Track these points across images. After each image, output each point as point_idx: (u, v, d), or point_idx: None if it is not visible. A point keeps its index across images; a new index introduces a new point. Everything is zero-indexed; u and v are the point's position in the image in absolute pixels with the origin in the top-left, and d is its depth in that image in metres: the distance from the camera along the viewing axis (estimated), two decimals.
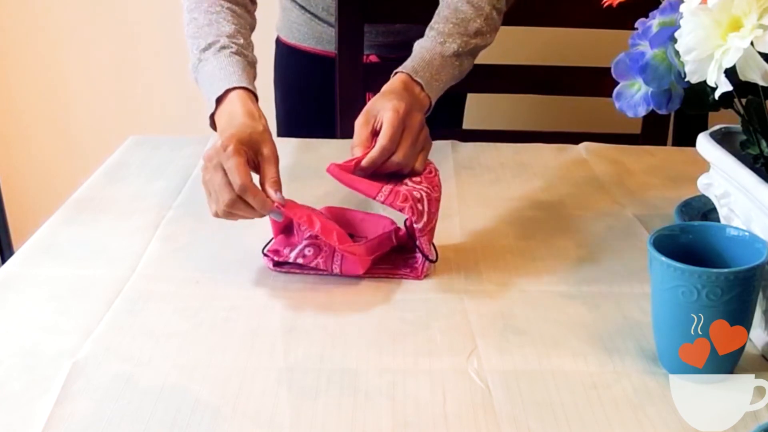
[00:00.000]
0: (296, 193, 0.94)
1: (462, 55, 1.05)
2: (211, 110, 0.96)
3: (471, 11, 1.06)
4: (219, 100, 0.95)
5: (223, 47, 0.99)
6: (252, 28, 1.09)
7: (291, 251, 0.88)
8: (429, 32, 1.06)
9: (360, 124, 0.93)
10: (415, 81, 1.00)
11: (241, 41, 1.02)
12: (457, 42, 1.04)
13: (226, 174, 0.84)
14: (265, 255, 0.91)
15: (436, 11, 1.09)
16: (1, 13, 2.05)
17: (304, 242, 0.88)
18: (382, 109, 0.92)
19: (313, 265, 0.87)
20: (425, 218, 0.86)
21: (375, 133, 0.92)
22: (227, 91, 0.95)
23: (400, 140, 0.90)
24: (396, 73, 1.01)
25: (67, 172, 2.11)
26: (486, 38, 1.08)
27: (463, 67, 1.07)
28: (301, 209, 0.87)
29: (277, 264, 0.89)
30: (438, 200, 0.90)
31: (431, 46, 1.04)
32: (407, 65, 1.02)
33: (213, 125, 0.97)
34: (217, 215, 0.87)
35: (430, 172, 0.93)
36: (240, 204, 0.84)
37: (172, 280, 0.88)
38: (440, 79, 1.02)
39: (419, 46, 1.05)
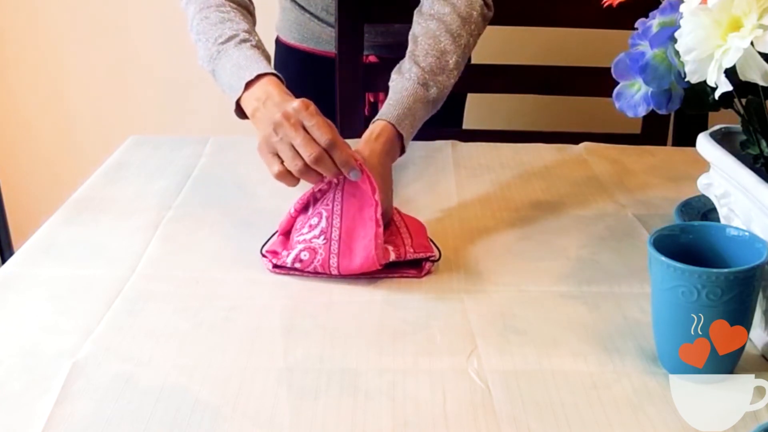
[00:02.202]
0: (298, 191, 0.94)
1: (436, 99, 1.03)
2: (237, 94, 0.98)
3: (450, 43, 1.04)
4: (248, 85, 0.97)
5: (244, 40, 1.02)
6: None
7: (288, 255, 0.88)
8: (411, 67, 1.03)
9: None
10: (399, 133, 0.98)
11: (257, 38, 1.05)
12: (437, 87, 1.02)
13: (307, 132, 0.88)
14: (263, 256, 0.91)
15: (413, 34, 1.06)
16: (2, 13, 2.06)
17: (299, 247, 0.88)
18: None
19: (310, 269, 0.88)
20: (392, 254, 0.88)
21: None
22: (259, 76, 0.97)
23: None
24: (379, 120, 0.99)
25: (67, 172, 2.11)
26: (459, 69, 1.06)
27: (435, 110, 1.05)
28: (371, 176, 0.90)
29: (276, 266, 0.90)
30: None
31: (413, 90, 1.01)
32: (392, 113, 0.99)
33: (238, 110, 1.00)
34: (280, 176, 0.90)
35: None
36: (326, 159, 0.88)
37: (172, 280, 0.88)
38: (415, 127, 1.01)
39: (402, 88, 1.01)
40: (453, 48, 1.04)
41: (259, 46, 1.03)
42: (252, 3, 1.13)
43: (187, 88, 2.06)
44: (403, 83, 1.02)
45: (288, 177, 0.90)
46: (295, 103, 0.91)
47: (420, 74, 1.02)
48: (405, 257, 0.88)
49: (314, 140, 0.88)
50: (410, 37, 1.07)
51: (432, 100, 1.03)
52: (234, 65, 1.00)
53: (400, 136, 0.99)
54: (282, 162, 0.90)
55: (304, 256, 0.88)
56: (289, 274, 0.89)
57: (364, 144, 0.97)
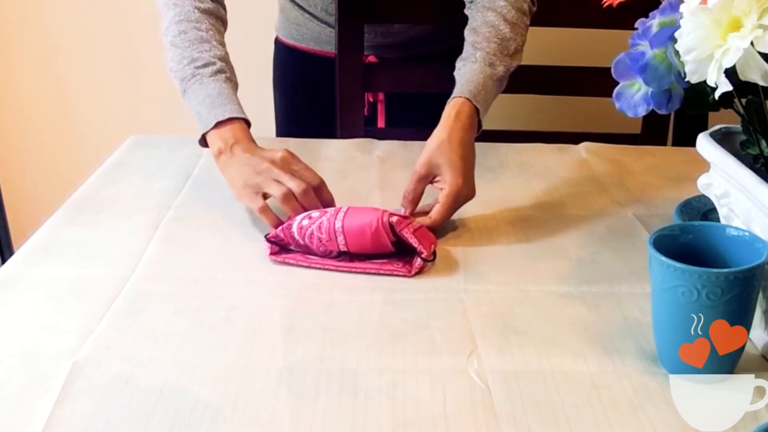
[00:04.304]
0: None
1: (503, 78, 1.08)
2: (205, 129, 1.03)
3: (509, 31, 1.08)
4: (218, 124, 1.02)
5: (220, 71, 1.06)
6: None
7: (296, 215, 0.92)
8: (474, 52, 1.07)
9: (418, 177, 0.99)
10: (475, 106, 1.03)
11: (230, 65, 1.09)
12: (503, 65, 1.07)
13: (293, 174, 0.95)
14: (267, 240, 0.92)
15: (472, 27, 1.09)
16: (3, 13, 2.06)
17: (309, 211, 0.92)
18: (444, 172, 0.98)
19: (314, 228, 0.89)
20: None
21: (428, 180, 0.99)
22: (230, 119, 1.02)
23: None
24: (456, 97, 1.03)
25: (67, 172, 2.11)
26: (520, 57, 1.10)
27: (502, 89, 1.09)
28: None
29: (275, 252, 0.91)
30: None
31: (482, 69, 1.05)
32: (465, 90, 1.03)
33: (203, 141, 1.05)
34: (262, 211, 0.95)
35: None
36: (311, 195, 0.95)
37: (172, 280, 0.88)
38: (489, 103, 1.06)
39: (470, 69, 1.06)
40: (512, 35, 1.08)
41: (232, 79, 1.08)
42: (225, 10, 1.15)
43: None
44: (471, 66, 1.06)
45: (269, 212, 0.95)
46: (280, 153, 0.98)
47: (485, 56, 1.06)
48: (402, 231, 0.89)
49: (300, 179, 0.95)
50: (468, 30, 1.10)
51: (500, 77, 1.07)
52: (207, 96, 1.04)
53: (477, 111, 1.03)
54: (264, 198, 0.95)
55: (315, 214, 0.91)
56: (286, 262, 0.90)
57: (442, 127, 1.01)
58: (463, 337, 0.78)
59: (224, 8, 1.14)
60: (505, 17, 1.08)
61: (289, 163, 0.97)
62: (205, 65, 1.05)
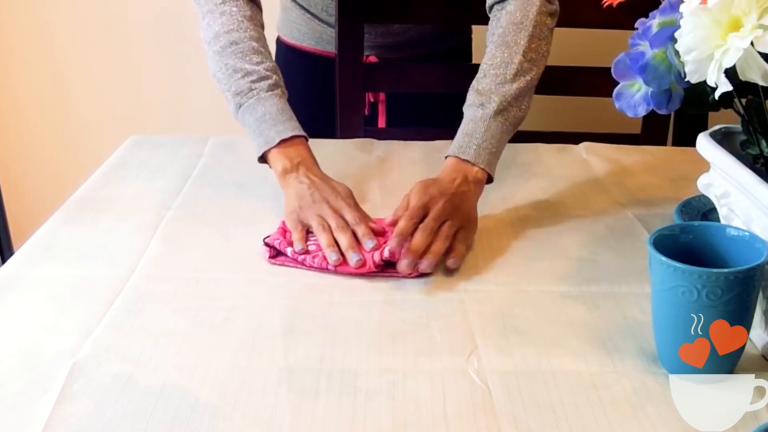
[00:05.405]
0: None
1: (505, 109, 1.02)
2: (267, 147, 1.02)
3: (505, 54, 1.04)
4: (281, 142, 1.02)
5: (275, 85, 1.06)
6: None
7: (292, 242, 0.92)
8: (470, 93, 1.05)
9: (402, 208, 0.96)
10: (464, 160, 0.99)
11: (281, 76, 1.09)
12: (496, 100, 1.02)
13: (335, 211, 0.95)
14: (266, 244, 0.92)
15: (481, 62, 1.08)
16: (3, 13, 2.06)
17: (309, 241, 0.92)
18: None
19: (310, 256, 0.89)
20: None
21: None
22: (293, 137, 1.03)
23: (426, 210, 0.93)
24: (447, 156, 1.02)
25: (67, 172, 2.11)
26: (531, 72, 1.05)
27: (511, 116, 1.03)
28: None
29: (273, 256, 0.91)
30: None
31: (472, 114, 1.02)
32: (453, 145, 1.01)
33: (262, 158, 1.04)
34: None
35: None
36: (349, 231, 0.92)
37: (172, 280, 0.88)
38: (490, 143, 1.01)
39: (464, 116, 1.04)
40: (509, 58, 1.04)
41: (285, 92, 1.07)
42: (260, 8, 1.13)
43: (187, 88, 2.06)
44: (465, 110, 1.04)
45: (301, 243, 0.92)
46: (341, 191, 0.98)
47: (475, 97, 1.04)
48: (398, 257, 0.88)
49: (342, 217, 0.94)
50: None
51: (494, 113, 1.02)
52: (267, 113, 1.03)
53: (468, 162, 0.99)
54: (306, 233, 0.94)
55: (312, 247, 0.91)
56: (285, 264, 0.90)
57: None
58: (463, 337, 0.78)
59: (261, 11, 1.14)
60: (503, 38, 1.05)
61: (341, 209, 0.95)
62: (261, 79, 1.05)
